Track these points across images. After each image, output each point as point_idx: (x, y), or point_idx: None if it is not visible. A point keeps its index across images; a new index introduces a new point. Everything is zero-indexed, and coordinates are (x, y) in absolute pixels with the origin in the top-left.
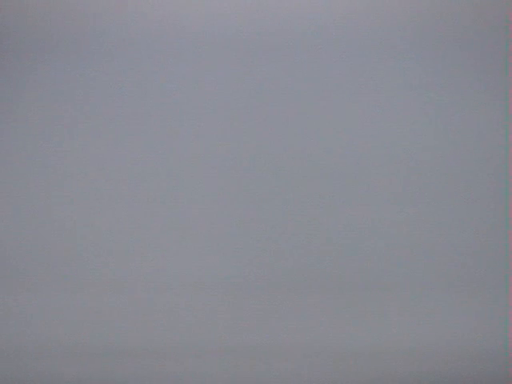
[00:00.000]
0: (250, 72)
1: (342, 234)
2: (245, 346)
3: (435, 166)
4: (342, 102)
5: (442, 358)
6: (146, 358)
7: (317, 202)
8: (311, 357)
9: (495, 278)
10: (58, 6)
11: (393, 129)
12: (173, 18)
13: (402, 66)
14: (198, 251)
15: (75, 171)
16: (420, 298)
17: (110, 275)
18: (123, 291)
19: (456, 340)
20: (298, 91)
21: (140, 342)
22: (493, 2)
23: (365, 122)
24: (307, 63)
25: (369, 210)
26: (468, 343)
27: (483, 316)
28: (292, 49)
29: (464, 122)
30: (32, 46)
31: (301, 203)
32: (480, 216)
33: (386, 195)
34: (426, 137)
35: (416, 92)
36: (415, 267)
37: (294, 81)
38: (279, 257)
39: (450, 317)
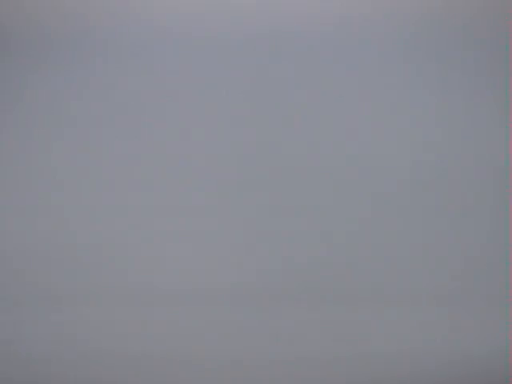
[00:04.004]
0: (250, 73)
1: (343, 241)
2: (244, 354)
3: (435, 167)
4: (343, 103)
5: (442, 360)
6: (148, 365)
7: (318, 207)
8: (309, 365)
9: (495, 278)
10: (58, 6)
11: (393, 129)
12: (174, 18)
13: (403, 67)
14: (202, 260)
15: (78, 177)
16: (419, 298)
17: (114, 286)
18: (125, 301)
19: (456, 341)
20: (300, 92)
21: (140, 351)
22: (494, 3)
23: (365, 123)
24: (308, 64)
25: (369, 217)
26: (468, 344)
27: (483, 316)
28: (295, 50)
29: (464, 123)
30: (32, 46)
31: (301, 208)
32: (480, 218)
33: (385, 197)
34: (426, 137)
35: (417, 92)
36: (414, 268)
37: (296, 81)
38: (281, 264)
39: (450, 317)
